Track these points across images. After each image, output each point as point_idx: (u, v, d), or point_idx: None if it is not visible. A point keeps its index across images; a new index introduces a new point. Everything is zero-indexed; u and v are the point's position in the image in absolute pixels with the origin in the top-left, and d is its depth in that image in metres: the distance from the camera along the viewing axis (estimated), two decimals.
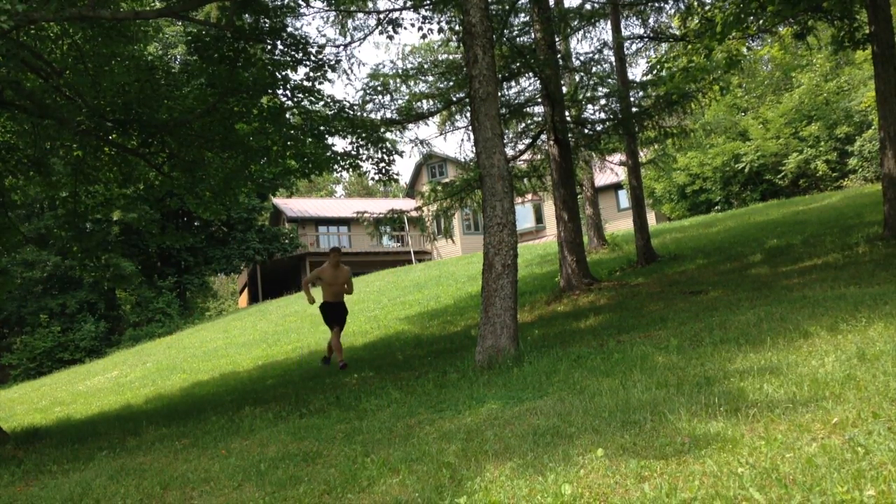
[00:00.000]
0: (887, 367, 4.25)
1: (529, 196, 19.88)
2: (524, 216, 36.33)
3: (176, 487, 4.58)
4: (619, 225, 30.73)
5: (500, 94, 12.67)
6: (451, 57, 14.21)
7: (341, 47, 12.71)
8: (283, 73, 9.91)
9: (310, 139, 10.59)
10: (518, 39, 13.45)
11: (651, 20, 15.68)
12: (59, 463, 6.34)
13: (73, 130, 9.73)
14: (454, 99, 13.89)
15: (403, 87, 13.75)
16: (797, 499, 2.76)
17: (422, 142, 14.64)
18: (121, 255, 27.16)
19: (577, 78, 14.81)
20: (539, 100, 13.81)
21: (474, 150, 8.58)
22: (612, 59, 14.94)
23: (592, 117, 14.47)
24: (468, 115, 13.84)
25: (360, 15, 12.85)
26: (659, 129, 14.03)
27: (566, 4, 30.23)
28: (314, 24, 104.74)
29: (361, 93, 13.40)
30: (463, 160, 15.38)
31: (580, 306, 11.45)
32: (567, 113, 13.77)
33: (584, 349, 6.90)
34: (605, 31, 40.07)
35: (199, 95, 10.05)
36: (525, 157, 15.20)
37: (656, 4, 15.02)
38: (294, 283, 37.96)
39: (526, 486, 3.39)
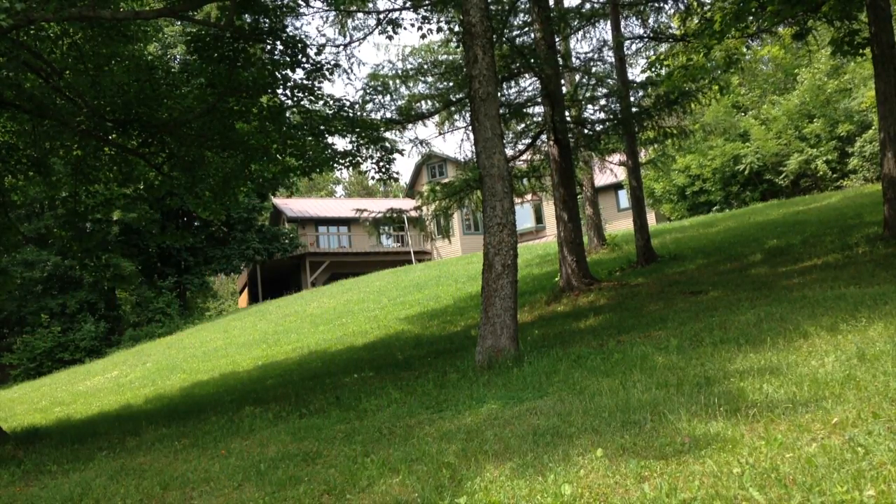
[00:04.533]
0: (887, 367, 4.25)
1: (529, 196, 19.86)
2: (524, 216, 36.32)
3: (176, 487, 4.58)
4: (619, 225, 30.72)
5: (500, 94, 12.67)
6: (450, 57, 14.21)
7: (341, 47, 12.72)
8: (283, 73, 9.90)
9: (309, 138, 10.59)
10: (518, 39, 13.45)
11: (651, 20, 15.70)
12: (59, 463, 6.34)
13: (73, 130, 9.73)
14: (454, 99, 13.89)
15: (403, 89, 13.77)
16: (797, 499, 2.76)
17: (421, 142, 14.66)
18: (121, 255, 27.14)
19: (577, 78, 14.81)
20: (539, 100, 13.81)
21: (474, 150, 8.59)
22: (612, 59, 14.95)
23: (592, 117, 14.47)
24: (468, 115, 13.84)
25: (360, 15, 12.85)
26: (659, 130, 14.03)
27: (566, 4, 30.19)
28: (314, 24, 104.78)
29: (361, 93, 13.42)
30: (463, 160, 15.38)
31: (580, 306, 11.45)
32: (567, 113, 13.77)
33: (584, 349, 6.90)
34: (604, 31, 40.11)
35: (198, 95, 10.05)
36: (525, 157, 15.20)
37: (656, 4, 15.02)
38: (294, 283, 37.98)
39: (526, 486, 3.38)
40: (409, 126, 13.85)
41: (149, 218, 25.72)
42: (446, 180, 17.62)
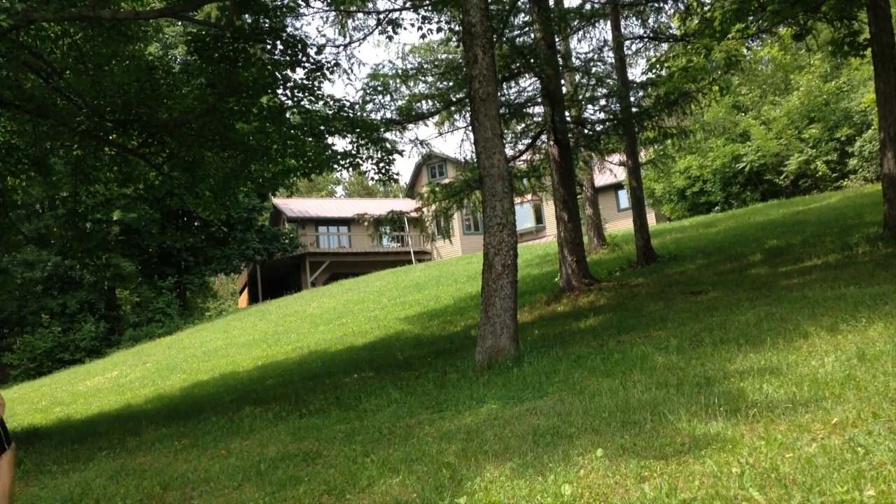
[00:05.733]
0: (887, 367, 4.25)
1: (529, 196, 19.86)
2: (524, 216, 36.32)
3: (176, 487, 4.58)
4: (619, 225, 30.72)
5: (500, 94, 12.67)
6: (450, 57, 14.21)
7: (341, 47, 12.72)
8: (283, 73, 9.90)
9: (310, 138, 10.59)
10: (518, 39, 13.45)
11: (651, 20, 15.70)
12: (59, 463, 6.34)
13: (73, 131, 9.73)
14: (454, 99, 13.89)
15: (403, 88, 13.77)
16: (797, 499, 2.76)
17: (421, 142, 14.65)
18: (121, 255, 27.13)
19: (577, 78, 14.81)
20: (539, 100, 13.81)
21: (474, 151, 8.59)
22: (612, 59, 14.95)
23: (592, 117, 14.47)
24: (468, 115, 13.84)
25: (360, 15, 12.85)
26: (659, 130, 14.03)
27: (566, 4, 30.24)
28: (314, 24, 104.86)
29: (361, 93, 13.41)
30: (463, 160, 15.38)
31: (580, 306, 11.45)
32: (567, 113, 13.77)
33: (584, 349, 6.90)
34: (605, 31, 40.11)
35: (198, 95, 10.05)
36: (525, 157, 15.21)
37: (656, 4, 15.02)
38: (294, 283, 37.98)
39: (526, 486, 3.38)
40: (409, 126, 13.85)
41: (149, 218, 25.73)
42: (446, 181, 17.64)
